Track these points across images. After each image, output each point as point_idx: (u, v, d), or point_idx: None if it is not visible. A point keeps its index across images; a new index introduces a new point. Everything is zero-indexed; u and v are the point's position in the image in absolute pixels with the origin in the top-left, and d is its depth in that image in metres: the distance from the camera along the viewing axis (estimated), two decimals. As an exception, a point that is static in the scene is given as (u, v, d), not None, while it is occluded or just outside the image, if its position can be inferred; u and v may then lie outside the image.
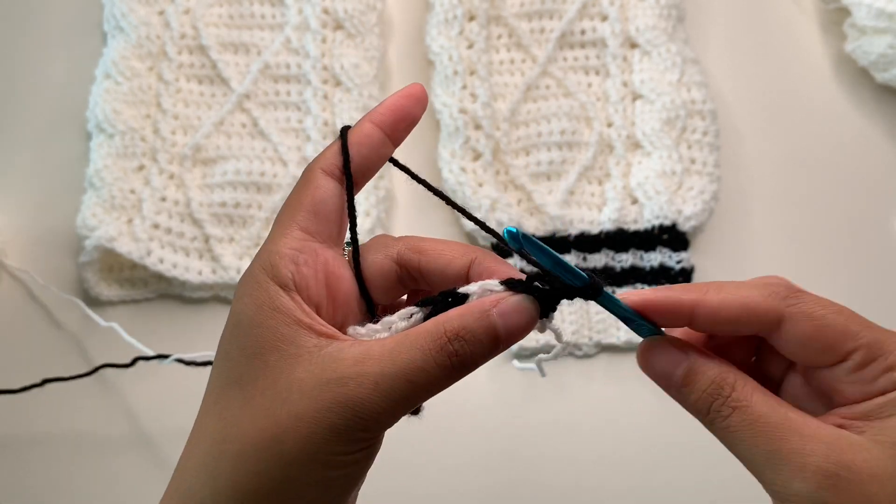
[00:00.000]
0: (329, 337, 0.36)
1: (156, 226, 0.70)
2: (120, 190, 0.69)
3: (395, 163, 0.41)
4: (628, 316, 0.37)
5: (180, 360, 0.63)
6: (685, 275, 0.70)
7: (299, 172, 0.72)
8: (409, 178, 0.41)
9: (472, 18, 0.75)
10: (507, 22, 0.76)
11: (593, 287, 0.36)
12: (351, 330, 0.38)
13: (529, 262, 0.37)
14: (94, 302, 0.69)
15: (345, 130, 0.40)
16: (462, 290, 0.37)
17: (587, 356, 0.70)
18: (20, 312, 0.70)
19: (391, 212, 0.72)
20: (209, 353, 0.63)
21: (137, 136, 0.71)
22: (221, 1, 0.76)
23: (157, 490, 0.37)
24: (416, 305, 0.37)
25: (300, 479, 0.34)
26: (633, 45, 0.75)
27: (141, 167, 0.71)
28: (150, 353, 0.65)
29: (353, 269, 0.39)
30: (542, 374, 0.43)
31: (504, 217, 0.70)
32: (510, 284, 0.36)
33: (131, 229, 0.69)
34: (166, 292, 0.71)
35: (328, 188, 0.39)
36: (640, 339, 0.39)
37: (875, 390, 0.35)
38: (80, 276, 0.69)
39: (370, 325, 0.38)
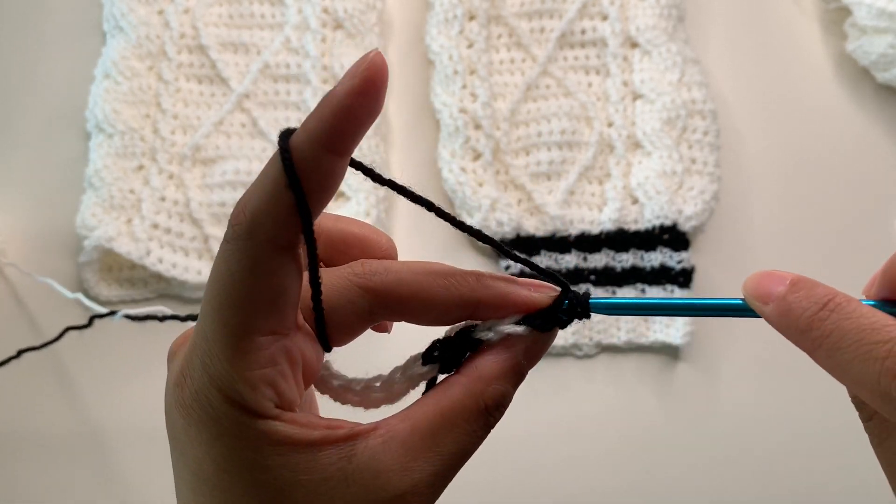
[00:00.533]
0: (347, 439, 0.30)
1: (155, 226, 0.69)
2: (119, 190, 0.69)
3: (356, 164, 0.31)
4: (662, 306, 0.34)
5: (127, 316, 0.64)
6: (685, 275, 0.70)
7: (299, 172, 0.72)
8: (367, 176, 0.32)
9: (472, 18, 0.75)
10: (507, 21, 0.76)
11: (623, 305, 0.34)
12: (336, 383, 0.34)
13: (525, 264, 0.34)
14: (93, 301, 0.69)
15: (286, 152, 0.27)
16: (479, 335, 0.33)
17: (587, 356, 0.70)
18: (22, 309, 0.70)
19: (391, 211, 0.72)
20: (154, 309, 0.64)
21: (137, 135, 0.71)
22: (221, 0, 0.76)
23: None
24: (423, 363, 0.33)
25: None
26: (634, 45, 0.75)
27: (140, 167, 0.71)
28: (104, 310, 0.65)
29: (318, 337, 0.32)
30: None
31: (504, 217, 0.70)
32: (530, 322, 0.33)
33: (130, 229, 0.69)
34: (166, 292, 0.71)
35: (286, 270, 0.29)
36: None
37: None
38: (80, 276, 0.69)
39: (364, 382, 0.34)
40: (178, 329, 0.63)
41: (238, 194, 0.71)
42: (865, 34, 0.75)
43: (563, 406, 0.69)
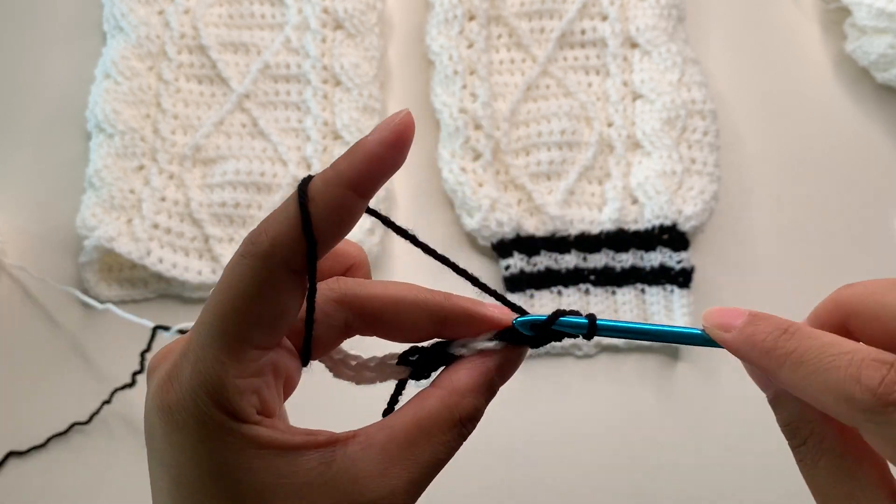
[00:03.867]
0: (327, 445, 0.32)
1: (155, 226, 0.70)
2: (120, 190, 0.69)
3: (372, 212, 0.34)
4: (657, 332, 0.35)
5: (182, 331, 0.64)
6: (685, 275, 0.70)
7: (299, 172, 0.72)
8: (387, 226, 0.35)
9: (472, 18, 0.75)
10: (507, 21, 0.76)
11: (591, 326, 0.34)
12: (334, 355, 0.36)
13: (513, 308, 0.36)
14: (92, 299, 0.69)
15: (304, 198, 0.30)
16: (453, 350, 0.35)
17: (587, 356, 0.70)
18: (19, 310, 0.70)
19: (391, 212, 0.72)
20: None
21: (137, 135, 0.71)
22: (221, 1, 0.76)
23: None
24: (400, 363, 0.36)
25: None
26: (634, 45, 0.75)
27: (141, 167, 0.71)
28: (150, 324, 0.65)
29: (302, 352, 0.34)
30: None
31: (504, 217, 0.70)
32: (504, 337, 0.35)
33: (131, 229, 0.69)
34: (166, 292, 0.71)
35: (293, 292, 0.31)
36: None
37: None
38: (80, 276, 0.69)
39: (345, 353, 0.36)
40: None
41: (238, 194, 0.71)
42: (865, 34, 0.75)
43: (563, 406, 0.69)
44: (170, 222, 0.70)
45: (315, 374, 0.36)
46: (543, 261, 0.71)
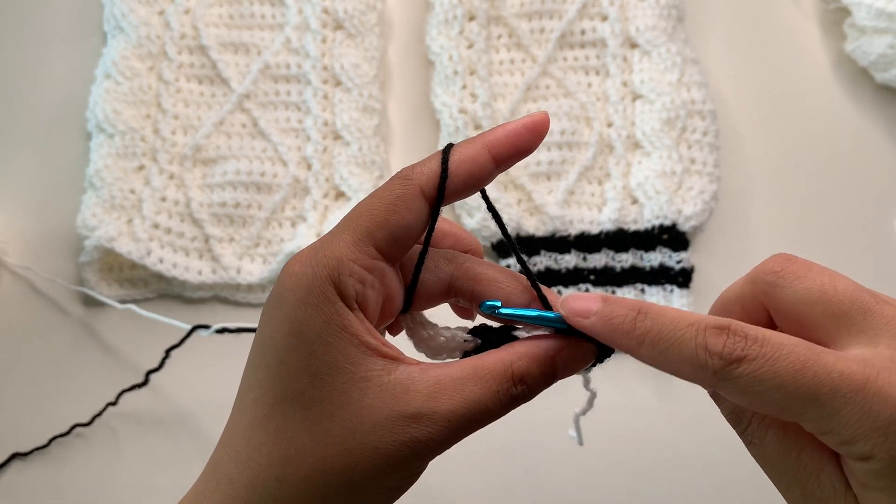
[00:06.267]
0: (393, 359, 0.36)
1: (156, 226, 0.70)
2: (120, 190, 0.69)
3: (485, 196, 0.40)
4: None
5: (224, 329, 0.64)
6: (685, 275, 0.70)
7: (299, 173, 0.72)
8: (491, 214, 0.40)
9: (472, 18, 0.75)
10: (507, 22, 0.76)
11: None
12: (406, 320, 0.40)
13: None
14: (93, 302, 0.69)
15: (447, 150, 0.37)
16: (517, 333, 0.39)
17: (587, 356, 0.70)
18: (24, 309, 0.70)
19: (391, 212, 0.72)
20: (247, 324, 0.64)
21: (137, 136, 0.71)
22: (221, 1, 0.76)
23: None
24: (470, 333, 0.39)
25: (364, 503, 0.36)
26: (633, 45, 0.75)
27: (141, 167, 0.71)
28: (182, 325, 0.65)
29: (405, 291, 0.39)
30: (580, 441, 0.46)
31: (504, 217, 0.70)
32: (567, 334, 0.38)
33: (131, 229, 0.69)
34: (166, 292, 0.71)
35: (419, 214, 0.37)
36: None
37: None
38: (81, 276, 0.69)
39: (430, 325, 0.40)
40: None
41: (238, 194, 0.71)
42: (865, 34, 0.75)
43: (563, 406, 0.69)
44: (170, 222, 0.70)
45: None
46: (543, 261, 0.71)
